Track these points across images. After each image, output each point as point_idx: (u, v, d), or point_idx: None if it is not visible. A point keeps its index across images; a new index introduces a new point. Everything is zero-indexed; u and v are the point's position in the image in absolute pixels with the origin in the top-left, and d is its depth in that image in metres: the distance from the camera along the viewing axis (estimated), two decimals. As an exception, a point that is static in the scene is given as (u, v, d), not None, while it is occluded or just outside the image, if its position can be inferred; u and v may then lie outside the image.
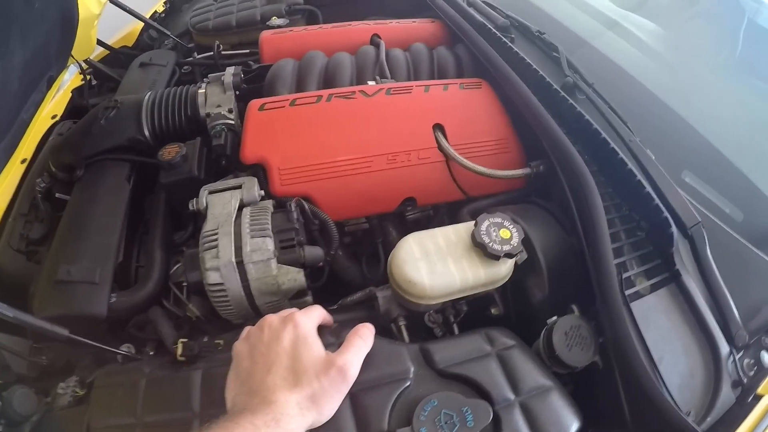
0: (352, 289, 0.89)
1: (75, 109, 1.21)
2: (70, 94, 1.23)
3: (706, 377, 0.67)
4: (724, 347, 0.69)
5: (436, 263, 0.70)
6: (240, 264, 0.72)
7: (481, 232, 0.71)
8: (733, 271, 0.76)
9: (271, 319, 0.61)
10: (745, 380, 0.68)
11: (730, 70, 1.40)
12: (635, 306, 0.69)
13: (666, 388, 0.63)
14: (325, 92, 0.96)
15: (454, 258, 0.71)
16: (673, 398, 0.62)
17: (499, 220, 0.73)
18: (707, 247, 0.76)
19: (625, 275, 0.71)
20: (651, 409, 0.61)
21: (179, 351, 0.74)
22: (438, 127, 0.94)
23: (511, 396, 0.62)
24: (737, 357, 0.69)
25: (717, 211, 0.93)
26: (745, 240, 0.84)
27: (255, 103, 0.95)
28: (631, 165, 0.81)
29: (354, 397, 0.59)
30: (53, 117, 1.15)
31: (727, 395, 0.66)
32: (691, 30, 1.55)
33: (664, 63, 1.39)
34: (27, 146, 1.06)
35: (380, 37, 1.20)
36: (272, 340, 0.58)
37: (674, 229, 0.74)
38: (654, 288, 0.73)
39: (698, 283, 0.74)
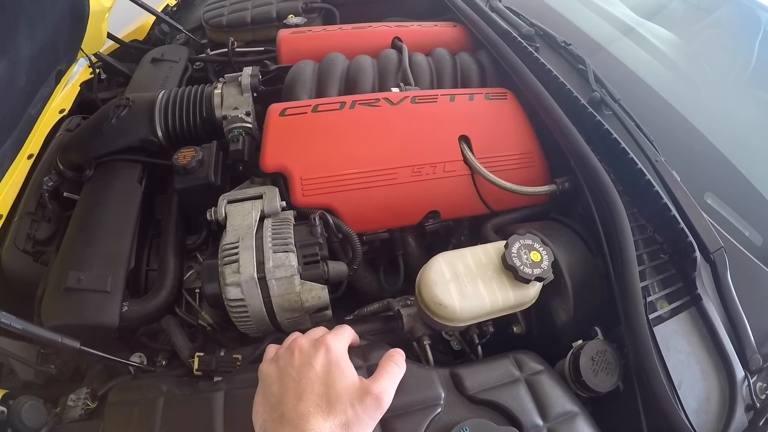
0: (367, 298, 0.88)
1: (83, 103, 1.18)
2: (79, 88, 1.19)
3: (721, 401, 0.68)
4: (739, 372, 0.70)
5: (466, 285, 0.68)
6: (262, 280, 0.70)
7: (513, 255, 0.69)
8: (749, 295, 0.76)
9: (302, 341, 0.58)
10: (758, 404, 0.69)
11: (747, 83, 1.39)
12: (658, 330, 0.69)
13: (684, 412, 0.63)
14: (349, 98, 0.93)
15: (484, 280, 0.70)
16: (690, 423, 0.62)
17: (529, 242, 0.72)
18: (728, 272, 0.76)
19: (648, 299, 0.71)
20: (670, 433, 0.61)
21: (195, 365, 0.72)
22: (464, 139, 0.91)
23: (540, 422, 0.62)
24: (751, 381, 0.70)
25: (737, 234, 0.92)
26: (764, 264, 0.84)
27: (275, 108, 0.92)
28: (657, 187, 0.80)
29: (385, 423, 0.57)
30: (61, 111, 1.11)
31: (740, 419, 0.67)
32: (706, 40, 1.54)
33: (682, 75, 1.37)
34: (34, 141, 1.02)
35: (402, 41, 1.17)
36: (303, 364, 0.55)
37: (698, 253, 0.74)
38: (675, 312, 0.73)
39: (717, 307, 0.74)
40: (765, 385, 0.72)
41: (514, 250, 0.70)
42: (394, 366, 0.58)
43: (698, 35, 1.56)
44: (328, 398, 0.52)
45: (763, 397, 0.71)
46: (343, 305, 0.86)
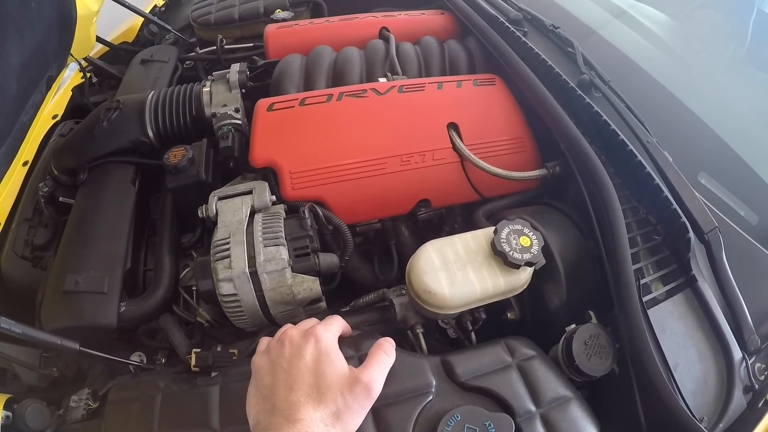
0: (363, 289, 0.88)
1: (76, 107, 1.19)
2: (71, 93, 1.20)
3: (718, 383, 0.68)
4: (737, 353, 0.69)
5: (455, 273, 0.69)
6: (254, 274, 0.71)
7: (502, 241, 0.69)
8: (746, 275, 0.76)
9: (292, 333, 0.59)
10: (756, 386, 0.69)
11: (741, 63, 1.37)
12: (652, 313, 0.68)
13: (681, 394, 0.63)
14: (336, 90, 0.93)
15: (473, 267, 0.70)
16: (687, 405, 0.62)
17: (518, 227, 0.71)
18: (723, 252, 0.75)
19: (642, 281, 0.70)
20: (666, 417, 0.62)
21: (193, 362, 0.73)
22: (452, 127, 0.91)
23: (533, 408, 0.61)
24: (749, 362, 0.70)
25: (732, 213, 0.92)
26: (760, 243, 0.84)
27: (263, 103, 0.92)
28: (649, 168, 0.79)
29: (377, 412, 0.58)
30: (54, 117, 1.12)
31: (738, 401, 0.67)
32: (700, 20, 1.52)
33: (675, 56, 1.36)
34: (28, 148, 1.03)
35: (389, 31, 1.17)
36: (294, 355, 0.56)
37: (692, 234, 0.73)
38: (670, 294, 0.72)
39: (713, 287, 0.74)
40: (763, 366, 0.71)
41: (503, 235, 0.70)
42: (383, 354, 0.59)
43: (691, 16, 1.54)
44: (318, 388, 0.53)
45: (762, 378, 0.70)
46: (340, 297, 0.86)
